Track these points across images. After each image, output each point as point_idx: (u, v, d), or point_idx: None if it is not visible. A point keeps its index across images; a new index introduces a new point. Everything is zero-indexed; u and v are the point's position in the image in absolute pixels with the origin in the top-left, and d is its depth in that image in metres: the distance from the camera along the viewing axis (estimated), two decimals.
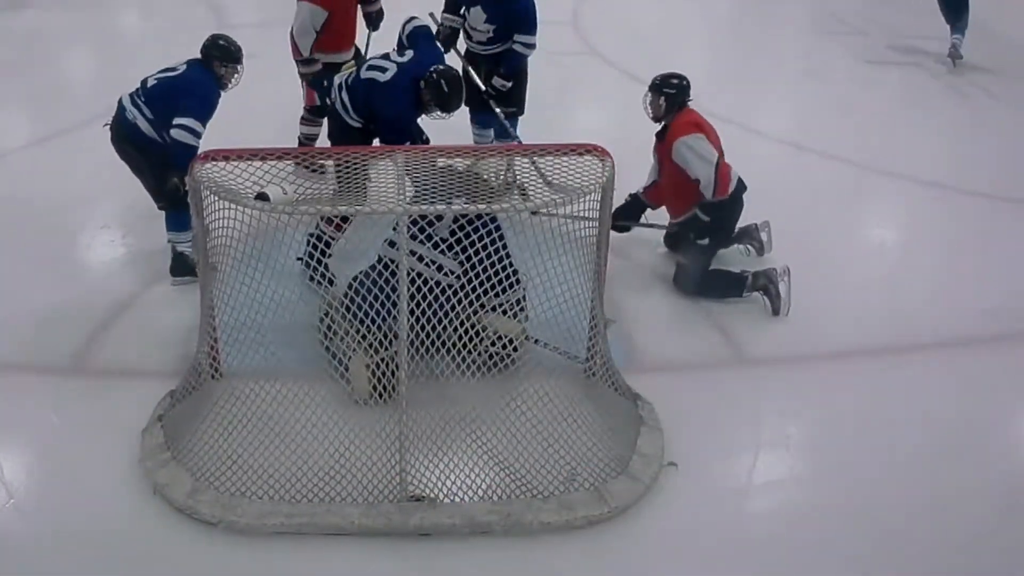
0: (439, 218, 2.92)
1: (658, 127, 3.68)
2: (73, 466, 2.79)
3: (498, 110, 4.27)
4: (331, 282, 3.14)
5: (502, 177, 3.16)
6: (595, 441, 2.83)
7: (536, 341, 3.13)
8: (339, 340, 2.93)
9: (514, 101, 4.31)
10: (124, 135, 3.53)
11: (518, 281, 2.93)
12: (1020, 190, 4.72)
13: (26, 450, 2.92)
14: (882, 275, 3.99)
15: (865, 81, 6.31)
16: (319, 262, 3.04)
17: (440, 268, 3.00)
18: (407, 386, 2.63)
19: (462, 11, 4.21)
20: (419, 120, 3.71)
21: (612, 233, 2.98)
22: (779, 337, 3.49)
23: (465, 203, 2.66)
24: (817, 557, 2.61)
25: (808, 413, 3.19)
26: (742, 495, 2.86)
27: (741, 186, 3.67)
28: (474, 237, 2.75)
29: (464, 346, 2.79)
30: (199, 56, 3.58)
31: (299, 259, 3.22)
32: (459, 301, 2.81)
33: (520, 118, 4.39)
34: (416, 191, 2.68)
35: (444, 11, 4.25)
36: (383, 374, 2.81)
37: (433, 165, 2.91)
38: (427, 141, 3.84)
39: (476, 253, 2.74)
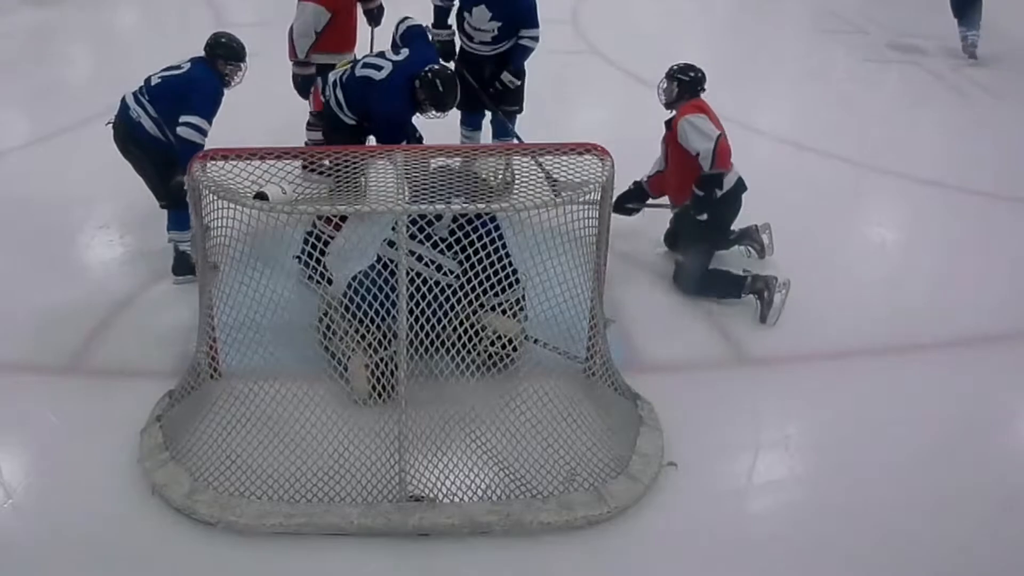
0: (438, 217, 2.92)
1: (668, 117, 3.73)
2: (71, 466, 2.79)
3: (493, 111, 4.27)
4: (329, 281, 3.14)
5: (500, 176, 3.15)
6: (595, 441, 2.83)
7: (535, 341, 3.12)
8: (338, 340, 2.92)
9: (517, 99, 4.30)
10: (128, 134, 3.52)
11: (517, 281, 2.93)
12: (1021, 189, 4.72)
13: (24, 450, 2.92)
14: (882, 274, 3.99)
15: (865, 80, 6.31)
16: (317, 261, 3.04)
17: (439, 268, 3.00)
18: (406, 386, 2.62)
19: (451, 21, 4.20)
20: (415, 119, 3.70)
21: (612, 232, 2.97)
22: (779, 337, 3.49)
23: (464, 203, 2.65)
24: (817, 557, 2.61)
25: (808, 413, 3.19)
26: (742, 495, 2.86)
27: (741, 185, 3.67)
28: (473, 237, 2.75)
29: (463, 346, 2.78)
30: (203, 54, 3.58)
31: (296, 258, 3.21)
32: (458, 301, 2.81)
33: (519, 117, 4.39)
34: (415, 191, 2.68)
35: (434, 27, 4.21)
36: (382, 374, 2.81)
37: (430, 164, 2.90)
38: (421, 139, 3.85)
39: (475, 253, 2.74)
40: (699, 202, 3.60)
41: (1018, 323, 3.67)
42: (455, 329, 2.81)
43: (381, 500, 2.62)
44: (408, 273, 2.62)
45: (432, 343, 2.76)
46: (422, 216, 2.78)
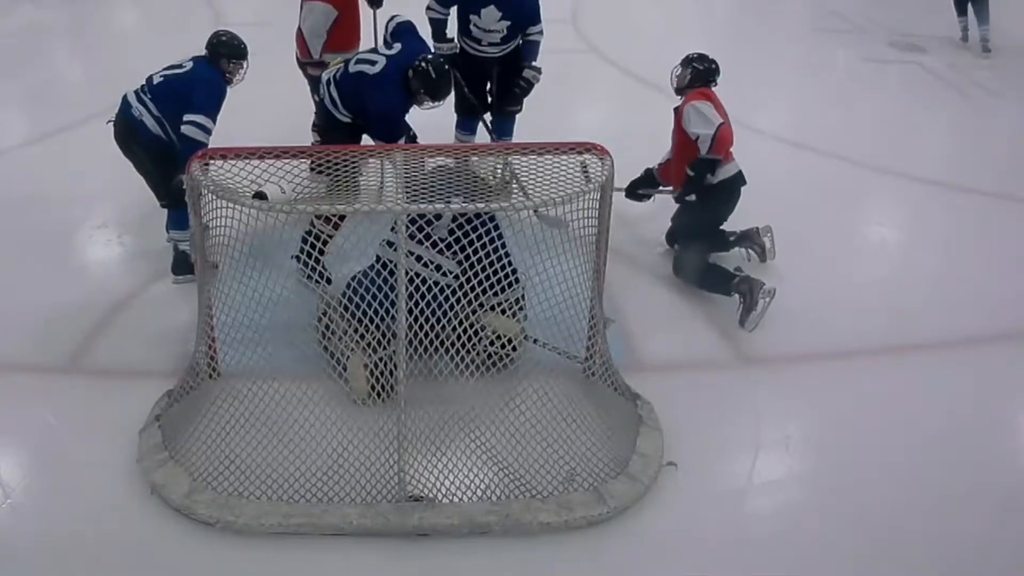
0: (437, 217, 2.91)
1: (675, 105, 3.76)
2: (70, 466, 2.78)
3: (494, 112, 4.25)
4: (328, 281, 3.13)
5: (499, 176, 3.14)
6: (594, 441, 2.82)
7: (535, 341, 3.11)
8: (337, 339, 2.92)
9: (520, 100, 4.30)
10: (129, 132, 3.51)
11: (517, 280, 2.92)
12: (1021, 188, 4.71)
13: (22, 450, 2.91)
14: (882, 274, 3.98)
15: (865, 79, 6.31)
16: (316, 260, 3.03)
17: (439, 268, 2.99)
18: (405, 386, 2.62)
19: (450, 35, 4.17)
20: (412, 113, 3.69)
21: (612, 232, 2.96)
22: (779, 337, 3.48)
23: (463, 202, 2.64)
24: (817, 557, 2.60)
25: (808, 413, 3.19)
26: (742, 495, 2.85)
27: (740, 179, 3.68)
28: (472, 236, 2.74)
29: (463, 345, 2.78)
30: (204, 53, 3.57)
31: (295, 257, 3.21)
32: (457, 300, 2.80)
33: (518, 116, 4.39)
34: (414, 190, 2.67)
35: (436, 41, 4.17)
36: (381, 374, 2.80)
37: (429, 164, 2.89)
38: (415, 139, 3.84)
39: (475, 252, 2.73)
40: (689, 183, 3.64)
41: (1018, 323, 3.66)
42: (454, 329, 2.80)
43: (380, 500, 2.61)
44: (407, 273, 2.62)
45: (431, 343, 2.75)
46: (421, 216, 2.77)
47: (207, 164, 2.76)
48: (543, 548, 2.56)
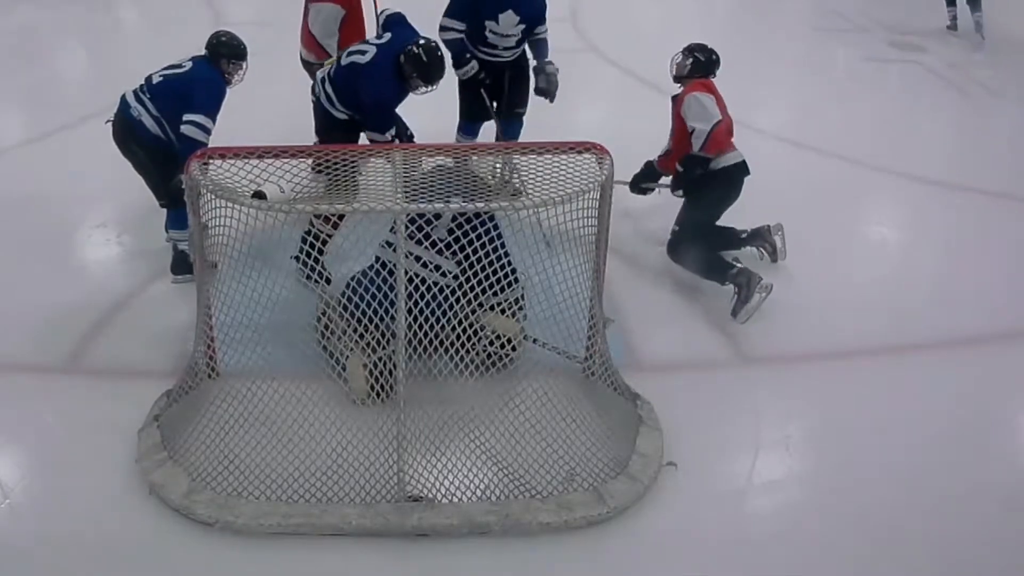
0: (437, 216, 2.90)
1: (674, 94, 3.76)
2: (68, 466, 2.78)
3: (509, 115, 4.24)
4: (327, 281, 3.12)
5: (498, 175, 3.14)
6: (594, 441, 2.82)
7: (534, 341, 3.11)
8: (336, 339, 2.91)
9: (527, 100, 4.29)
10: (128, 132, 3.51)
11: (516, 280, 2.92)
12: (1022, 188, 4.71)
13: (21, 450, 2.91)
14: (882, 274, 3.98)
15: (866, 78, 6.30)
16: (315, 260, 3.03)
17: (438, 269, 2.99)
18: (405, 386, 2.61)
19: (469, 53, 4.08)
20: (412, 113, 3.68)
21: (612, 232, 2.96)
22: (779, 337, 3.48)
23: (463, 202, 2.63)
24: (817, 557, 2.60)
25: (808, 413, 3.18)
26: (742, 495, 2.85)
27: (742, 168, 3.66)
28: (472, 236, 2.74)
29: (462, 345, 2.77)
30: (204, 53, 3.57)
31: (295, 258, 3.20)
32: (457, 300, 2.79)
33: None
34: (413, 190, 2.66)
35: (457, 67, 4.04)
36: (380, 374, 2.80)
37: (429, 163, 2.89)
38: (412, 137, 3.83)
39: (474, 252, 2.73)
40: (677, 178, 3.65)
41: (1018, 323, 3.66)
42: (454, 329, 2.80)
43: (379, 500, 2.61)
44: (407, 273, 2.61)
45: (431, 342, 2.75)
46: (421, 215, 2.77)
47: (206, 163, 2.76)
48: (543, 548, 2.56)
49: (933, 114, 5.81)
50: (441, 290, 2.86)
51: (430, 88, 3.64)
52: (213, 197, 2.65)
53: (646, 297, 3.68)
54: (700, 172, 3.57)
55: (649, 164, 3.99)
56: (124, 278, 3.71)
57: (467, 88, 4.18)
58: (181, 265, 3.62)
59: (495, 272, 2.75)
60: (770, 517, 2.78)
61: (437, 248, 2.97)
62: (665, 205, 3.97)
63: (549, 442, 2.78)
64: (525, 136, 4.24)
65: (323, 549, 2.53)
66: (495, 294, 2.83)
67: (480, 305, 2.90)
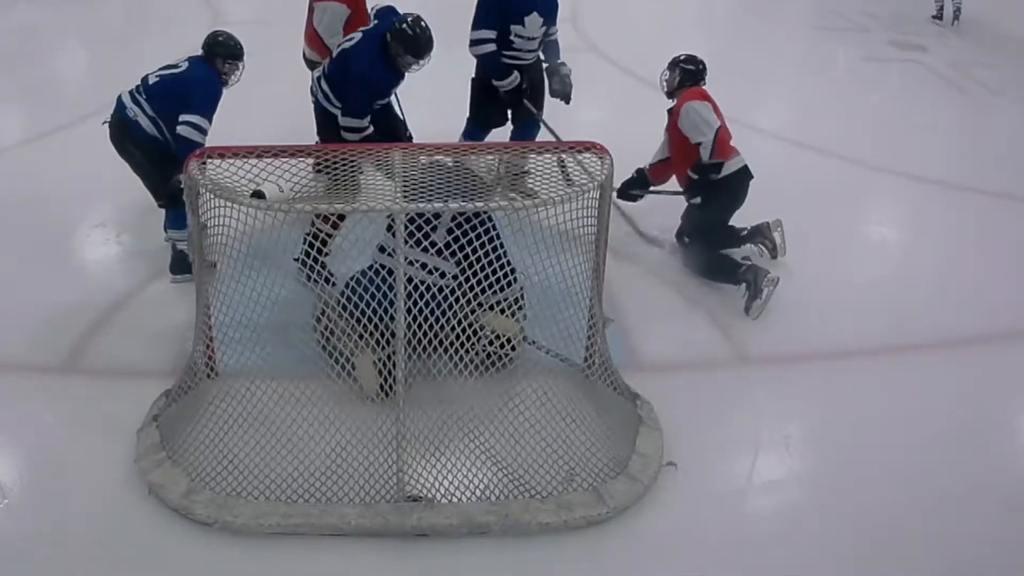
0: (436, 217, 2.89)
1: (669, 106, 3.79)
2: (67, 466, 2.77)
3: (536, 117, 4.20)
4: (327, 281, 3.12)
5: (494, 172, 3.11)
6: (594, 441, 2.81)
7: (533, 343, 3.10)
8: (341, 338, 2.90)
9: (544, 103, 4.25)
10: (124, 133, 3.50)
11: (515, 279, 2.91)
12: (1022, 187, 4.70)
13: (20, 450, 2.90)
14: (882, 274, 3.97)
15: (866, 78, 6.30)
16: (315, 260, 3.03)
17: (437, 272, 2.97)
18: (404, 386, 2.61)
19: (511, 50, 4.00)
20: (412, 112, 3.67)
21: (612, 231, 2.96)
22: (779, 337, 3.47)
23: (462, 201, 2.63)
24: (817, 557, 2.60)
25: (808, 413, 3.18)
26: (742, 495, 2.84)
27: (746, 173, 3.69)
28: (471, 236, 2.73)
29: (462, 345, 2.77)
30: (200, 53, 3.56)
31: (296, 259, 3.19)
32: (456, 300, 2.79)
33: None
34: (412, 189, 2.66)
35: (498, 80, 3.98)
36: (389, 372, 2.78)
37: (425, 161, 2.88)
38: (411, 138, 3.81)
39: (473, 252, 2.72)
40: (693, 186, 3.68)
41: (1018, 323, 3.65)
42: (453, 328, 2.79)
43: (379, 500, 2.60)
44: (406, 275, 2.60)
45: (430, 342, 2.74)
46: (420, 215, 2.76)
47: (205, 163, 2.75)
48: (542, 548, 2.55)
49: (933, 114, 5.81)
50: (440, 290, 2.85)
51: (421, 63, 3.60)
52: (212, 197, 2.64)
53: (646, 297, 3.67)
54: (714, 176, 3.62)
55: (640, 171, 3.97)
56: (123, 278, 3.71)
57: (491, 95, 4.05)
58: (180, 265, 3.62)
59: (494, 271, 2.75)
60: (770, 517, 2.78)
61: (436, 248, 2.96)
62: (665, 205, 3.97)
63: (549, 442, 2.78)
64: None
65: (322, 549, 2.52)
66: (494, 293, 2.82)
67: (480, 305, 2.90)
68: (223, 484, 2.63)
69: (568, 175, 2.87)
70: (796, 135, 5.18)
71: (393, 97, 3.93)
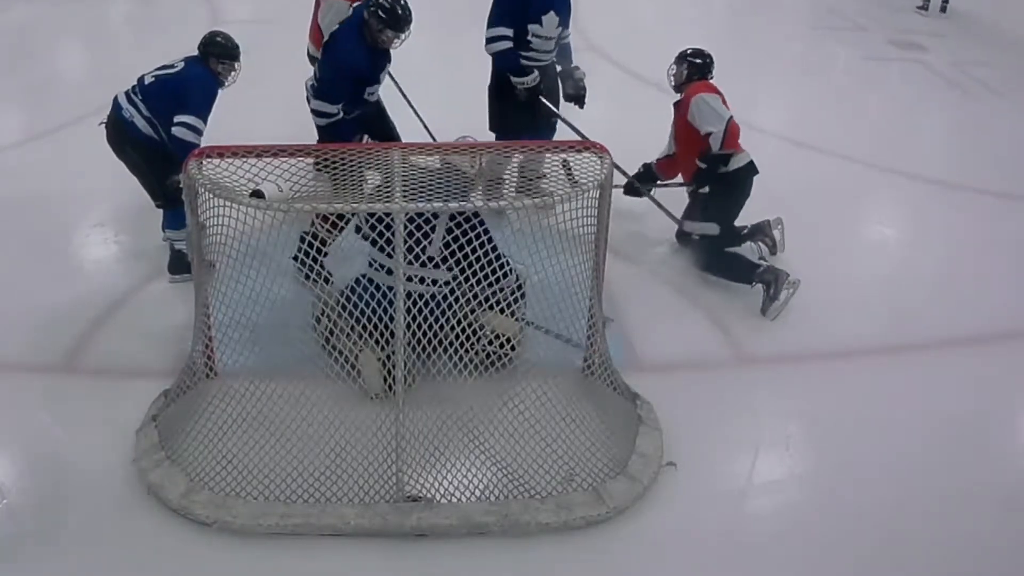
0: (433, 230, 2.85)
1: (675, 100, 3.78)
2: (66, 466, 2.77)
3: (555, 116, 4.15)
4: (326, 280, 3.11)
5: (476, 167, 3.07)
6: (593, 441, 2.81)
7: (534, 326, 3.07)
8: (342, 337, 2.89)
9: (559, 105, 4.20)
10: (121, 133, 3.50)
11: (511, 269, 2.89)
12: (1022, 187, 4.70)
13: (18, 450, 2.89)
14: (883, 274, 3.97)
15: (866, 78, 6.29)
16: (314, 260, 3.02)
17: (434, 283, 2.96)
18: (404, 386, 2.60)
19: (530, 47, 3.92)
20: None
21: (612, 231, 2.95)
22: (779, 337, 3.47)
23: (460, 202, 2.61)
24: (817, 557, 2.59)
25: (808, 413, 3.17)
26: (741, 495, 2.84)
27: (751, 168, 3.68)
28: (471, 236, 2.72)
29: (461, 345, 2.76)
30: (196, 53, 3.56)
31: (293, 259, 3.18)
32: (456, 300, 2.78)
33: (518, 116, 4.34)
34: (409, 191, 2.64)
35: (517, 75, 3.88)
36: (390, 371, 2.77)
37: (414, 163, 2.85)
38: (401, 136, 3.78)
39: (473, 251, 2.71)
40: (700, 174, 3.66)
41: (1018, 323, 3.65)
42: (452, 328, 2.78)
43: (378, 500, 2.60)
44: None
45: (430, 342, 2.73)
46: (418, 222, 2.71)
47: (204, 162, 2.75)
48: (542, 548, 2.55)
49: (933, 113, 5.80)
50: (440, 290, 2.84)
51: (402, 37, 3.59)
52: (211, 196, 2.64)
53: (646, 297, 3.67)
54: (723, 168, 3.61)
55: (646, 167, 3.98)
56: (122, 278, 3.70)
57: (510, 102, 3.97)
58: (178, 265, 3.62)
59: (489, 262, 2.72)
60: (770, 517, 2.78)
61: (431, 254, 2.93)
62: (665, 204, 3.96)
63: (548, 442, 2.77)
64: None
65: (322, 549, 2.52)
66: (490, 284, 2.79)
67: (480, 304, 2.89)
68: (222, 484, 2.63)
69: (573, 176, 2.85)
70: (796, 135, 5.17)
71: (390, 94, 3.92)
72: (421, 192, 2.61)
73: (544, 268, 2.81)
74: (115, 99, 3.52)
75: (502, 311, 2.99)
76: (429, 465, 2.68)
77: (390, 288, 2.62)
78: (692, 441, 2.89)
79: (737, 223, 3.85)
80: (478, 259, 2.71)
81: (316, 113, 3.67)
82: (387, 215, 2.61)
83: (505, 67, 3.94)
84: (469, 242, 2.71)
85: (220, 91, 3.53)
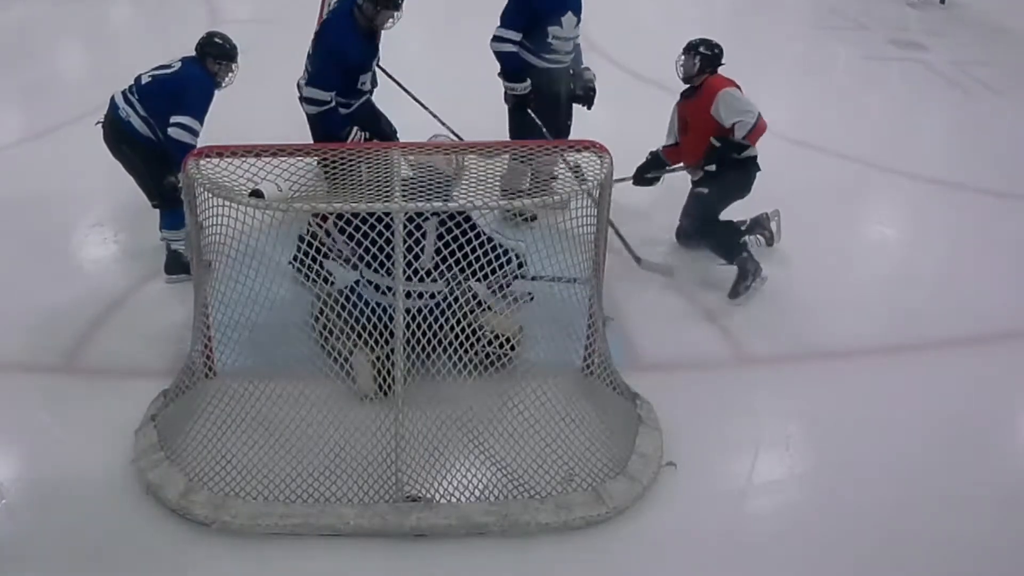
0: (423, 251, 2.83)
1: (684, 88, 3.77)
2: (65, 466, 2.76)
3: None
4: (325, 280, 3.10)
5: (454, 164, 3.05)
6: (593, 441, 2.81)
7: (534, 278, 3.03)
8: (337, 337, 2.89)
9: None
10: (117, 133, 3.50)
11: (510, 257, 2.86)
12: (1022, 187, 4.70)
13: (18, 450, 2.89)
14: (883, 274, 3.97)
15: (866, 77, 6.29)
16: (313, 259, 3.01)
17: (428, 295, 2.95)
18: (403, 386, 2.60)
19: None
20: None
21: (611, 228, 2.94)
22: (779, 337, 3.47)
23: (454, 201, 2.59)
24: (817, 557, 2.59)
25: (808, 413, 3.17)
26: (741, 495, 2.84)
27: (757, 164, 3.69)
28: (470, 234, 2.71)
29: (461, 345, 2.76)
30: (194, 53, 3.55)
31: (291, 263, 3.17)
32: (456, 300, 2.77)
33: (519, 116, 4.33)
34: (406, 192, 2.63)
35: (510, 81, 3.86)
36: (388, 371, 2.77)
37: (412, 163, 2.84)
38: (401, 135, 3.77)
39: (473, 251, 2.70)
40: (712, 152, 3.62)
41: (1018, 323, 3.65)
42: (452, 328, 2.78)
43: (377, 500, 2.59)
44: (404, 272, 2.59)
45: (429, 342, 2.73)
46: (409, 233, 2.68)
47: (203, 162, 2.74)
48: (541, 549, 2.55)
49: (934, 112, 5.80)
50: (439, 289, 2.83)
51: (397, 15, 3.57)
52: (210, 196, 2.63)
53: (646, 297, 3.66)
54: (734, 155, 3.60)
55: (654, 154, 3.94)
56: (121, 277, 3.69)
57: (517, 109, 3.95)
58: (174, 265, 3.61)
59: (486, 255, 2.70)
60: (770, 517, 2.77)
61: (425, 274, 2.92)
62: (665, 204, 3.96)
63: (548, 442, 2.77)
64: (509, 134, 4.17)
65: (321, 549, 2.52)
66: (493, 271, 2.77)
67: (479, 304, 2.88)
68: (221, 484, 2.62)
69: (582, 174, 2.84)
70: (796, 134, 5.15)
71: (391, 94, 3.91)
72: (410, 195, 2.59)
73: (544, 268, 2.80)
74: (112, 99, 3.52)
75: (508, 285, 2.93)
76: (428, 465, 2.67)
77: (388, 288, 2.61)
78: (692, 441, 2.88)
79: (736, 218, 3.85)
80: (477, 259, 2.70)
81: (309, 101, 3.64)
82: (386, 215, 2.59)
83: (503, 67, 3.92)
84: (469, 242, 2.70)
85: (217, 92, 3.53)
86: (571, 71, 4.07)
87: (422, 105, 4.24)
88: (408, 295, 2.85)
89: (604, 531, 2.60)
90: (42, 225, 4.00)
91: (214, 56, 3.52)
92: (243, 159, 2.71)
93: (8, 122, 5.11)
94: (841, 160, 4.89)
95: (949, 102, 5.90)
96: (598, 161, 2.82)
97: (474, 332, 2.81)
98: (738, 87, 3.65)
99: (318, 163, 2.98)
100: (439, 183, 2.67)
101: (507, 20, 3.87)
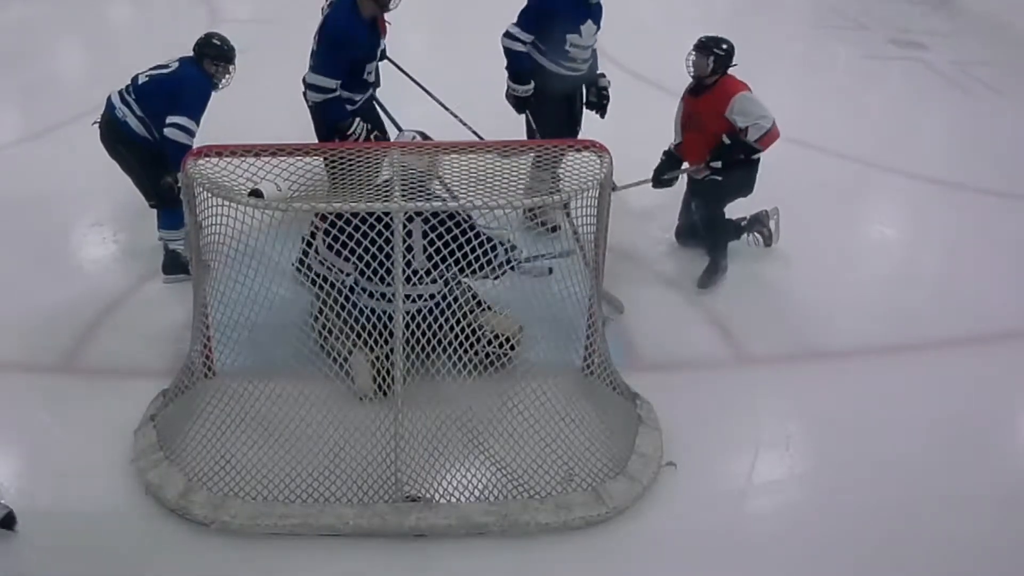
0: (409, 250, 2.82)
1: (691, 86, 3.78)
2: (64, 466, 2.76)
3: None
4: (325, 280, 3.10)
5: (427, 159, 3.03)
6: (593, 441, 2.81)
7: (529, 259, 3.02)
8: (336, 337, 2.89)
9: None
10: (114, 133, 3.50)
11: (496, 245, 2.83)
12: (1022, 187, 4.69)
13: (17, 450, 2.89)
14: (883, 273, 3.97)
15: (867, 77, 6.29)
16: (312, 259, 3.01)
17: (424, 297, 2.94)
18: (403, 385, 2.60)
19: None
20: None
21: (612, 230, 2.94)
22: (779, 337, 3.47)
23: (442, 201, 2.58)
24: (817, 557, 2.59)
25: (808, 413, 3.17)
26: (741, 495, 2.83)
27: (757, 166, 3.69)
28: (451, 233, 2.69)
29: (460, 345, 2.76)
30: (191, 54, 3.55)
31: (293, 265, 3.16)
32: (455, 299, 2.77)
33: (518, 116, 4.32)
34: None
35: (514, 83, 3.84)
36: (387, 372, 2.76)
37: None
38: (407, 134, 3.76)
39: (460, 247, 2.69)
40: (721, 148, 3.61)
41: (1018, 323, 3.64)
42: (451, 328, 2.78)
43: (377, 500, 2.59)
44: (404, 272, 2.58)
45: (428, 342, 2.73)
46: (409, 247, 2.65)
47: (202, 161, 2.74)
48: (541, 549, 2.55)
49: (934, 112, 5.79)
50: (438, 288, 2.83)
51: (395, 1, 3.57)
52: (209, 195, 2.63)
53: (646, 297, 3.66)
54: (741, 157, 3.60)
55: (668, 153, 3.89)
56: (120, 277, 3.69)
57: (545, 110, 3.93)
58: (172, 265, 3.61)
59: (474, 252, 2.69)
60: (770, 517, 2.77)
61: (418, 279, 2.91)
62: (665, 204, 3.96)
63: (548, 442, 2.77)
64: (523, 135, 4.18)
65: (320, 550, 2.51)
66: (488, 262, 2.76)
67: (479, 303, 2.87)
68: (220, 484, 2.62)
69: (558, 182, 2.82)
70: (797, 134, 5.11)
71: (393, 94, 3.90)
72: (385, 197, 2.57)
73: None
74: (108, 98, 3.52)
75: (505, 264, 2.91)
76: (428, 465, 2.67)
77: (383, 295, 2.60)
78: (692, 441, 2.88)
79: (735, 216, 3.84)
80: (465, 255, 2.69)
81: (313, 88, 3.61)
82: (385, 214, 2.58)
83: (510, 65, 3.90)
84: (456, 238, 2.68)
85: (214, 93, 3.52)
86: (585, 78, 4.04)
87: (435, 98, 4.18)
88: (406, 298, 2.84)
89: (604, 531, 2.59)
90: (41, 225, 4.00)
91: (211, 57, 3.52)
92: (242, 159, 2.71)
93: (8, 122, 5.11)
94: (841, 160, 4.89)
95: (949, 102, 5.90)
96: (598, 161, 2.82)
97: (474, 332, 2.81)
98: (749, 89, 3.64)
99: (324, 165, 2.96)
100: (418, 180, 2.66)
101: (522, 20, 3.85)
